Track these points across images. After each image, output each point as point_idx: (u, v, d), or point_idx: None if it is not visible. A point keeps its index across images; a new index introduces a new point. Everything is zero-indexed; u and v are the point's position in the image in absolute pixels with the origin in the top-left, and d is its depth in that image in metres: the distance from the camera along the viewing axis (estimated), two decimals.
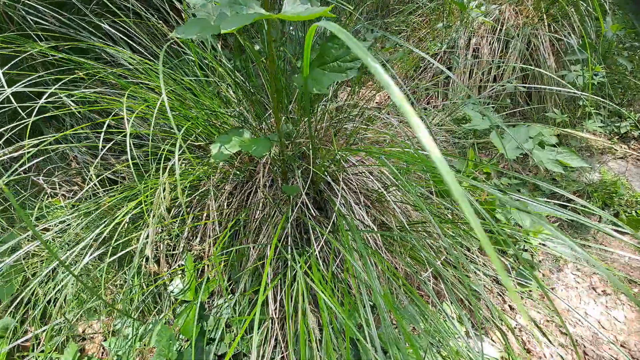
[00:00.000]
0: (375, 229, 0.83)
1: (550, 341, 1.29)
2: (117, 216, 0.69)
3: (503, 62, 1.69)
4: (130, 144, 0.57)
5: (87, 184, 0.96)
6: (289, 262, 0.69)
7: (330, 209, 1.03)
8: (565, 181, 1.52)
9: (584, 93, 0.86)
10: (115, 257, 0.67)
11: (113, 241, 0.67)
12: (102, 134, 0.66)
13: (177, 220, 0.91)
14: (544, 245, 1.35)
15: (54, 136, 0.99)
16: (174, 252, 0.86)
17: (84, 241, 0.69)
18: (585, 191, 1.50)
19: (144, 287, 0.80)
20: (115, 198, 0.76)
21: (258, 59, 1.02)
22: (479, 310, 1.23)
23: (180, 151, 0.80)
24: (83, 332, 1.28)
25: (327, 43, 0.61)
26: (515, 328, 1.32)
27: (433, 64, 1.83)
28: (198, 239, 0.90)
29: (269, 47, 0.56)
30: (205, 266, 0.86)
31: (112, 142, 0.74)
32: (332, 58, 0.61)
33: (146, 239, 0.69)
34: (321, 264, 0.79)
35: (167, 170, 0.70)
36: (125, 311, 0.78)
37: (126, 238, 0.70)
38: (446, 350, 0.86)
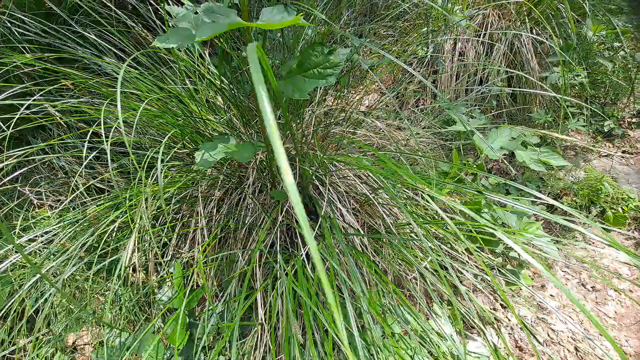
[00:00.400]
0: (363, 233, 0.84)
1: (538, 340, 1.30)
2: (102, 225, 0.69)
3: (488, 65, 1.73)
4: (109, 152, 0.57)
5: (73, 193, 0.96)
6: (277, 267, 0.69)
7: (319, 220, 1.04)
8: (552, 180, 1.54)
9: (563, 96, 0.88)
10: (100, 265, 0.66)
11: (98, 250, 0.66)
12: (86, 142, 0.67)
13: (165, 228, 0.90)
14: (529, 245, 1.37)
15: (39, 146, 0.98)
16: (162, 260, 0.86)
17: (69, 251, 0.69)
18: (571, 189, 1.52)
19: (132, 295, 0.80)
20: (101, 207, 0.76)
21: (244, 66, 1.03)
22: (468, 310, 1.24)
23: (167, 158, 0.80)
24: (73, 343, 1.26)
25: (308, 50, 0.62)
26: (506, 327, 1.33)
27: (421, 66, 1.86)
28: (187, 246, 0.89)
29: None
30: (195, 273, 0.86)
31: (97, 151, 0.75)
32: (312, 65, 0.62)
33: (132, 248, 0.69)
34: (309, 268, 0.79)
35: (152, 178, 0.70)
36: (111, 321, 0.77)
37: (110, 247, 0.70)
38: (437, 352, 0.86)
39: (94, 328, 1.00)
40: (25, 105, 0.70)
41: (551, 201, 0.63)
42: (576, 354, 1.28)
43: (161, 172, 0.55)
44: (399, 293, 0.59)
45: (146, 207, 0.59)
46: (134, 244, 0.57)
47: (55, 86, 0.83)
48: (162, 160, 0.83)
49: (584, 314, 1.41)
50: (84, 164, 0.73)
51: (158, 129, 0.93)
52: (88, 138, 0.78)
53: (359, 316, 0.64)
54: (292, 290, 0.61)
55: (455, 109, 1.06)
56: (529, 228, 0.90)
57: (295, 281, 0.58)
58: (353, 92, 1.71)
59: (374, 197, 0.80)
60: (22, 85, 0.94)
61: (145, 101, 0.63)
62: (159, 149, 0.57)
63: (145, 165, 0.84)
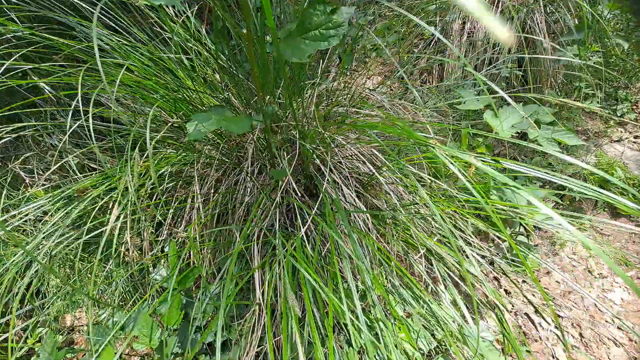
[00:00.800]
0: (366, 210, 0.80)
1: (541, 324, 1.28)
2: (88, 197, 0.65)
3: (498, 45, 1.65)
4: (91, 124, 0.53)
5: (66, 172, 0.92)
6: (276, 246, 0.66)
7: (321, 198, 1.00)
8: (562, 165, 1.49)
9: (578, 75, 0.83)
10: (87, 237, 0.63)
11: (88, 223, 0.63)
12: (70, 111, 0.63)
13: (159, 203, 0.87)
14: (539, 228, 1.33)
15: (32, 124, 0.94)
16: (157, 239, 0.83)
17: (56, 224, 0.66)
18: (581, 174, 1.47)
19: (123, 273, 0.77)
20: (88, 181, 0.73)
21: (243, 42, 0.98)
22: (474, 292, 1.21)
23: (159, 138, 0.76)
24: (72, 324, 1.25)
25: (309, 9, 0.57)
26: (510, 312, 1.31)
27: (428, 48, 1.79)
28: (183, 226, 0.86)
29: (244, 11, 0.52)
30: (191, 253, 0.83)
31: (76, 123, 0.70)
32: (313, 25, 0.57)
33: (118, 223, 0.66)
34: (309, 248, 0.76)
35: (146, 155, 0.67)
36: (104, 300, 0.75)
37: (98, 220, 0.67)
38: (440, 334, 0.84)
39: (93, 308, 0.98)
40: (6, 65, 0.66)
41: (561, 181, 0.58)
42: (581, 339, 1.25)
43: (150, 144, 0.51)
44: (404, 271, 0.56)
45: (132, 177, 0.55)
46: (115, 215, 0.54)
47: (47, 64, 0.79)
48: (156, 139, 0.79)
49: (588, 301, 1.38)
50: (66, 136, 0.69)
51: (152, 103, 0.89)
52: (82, 116, 0.74)
53: (362, 298, 0.61)
54: (291, 268, 0.58)
55: (469, 88, 1.00)
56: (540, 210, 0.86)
57: (295, 259, 0.55)
58: (357, 74, 1.65)
59: (379, 172, 0.76)
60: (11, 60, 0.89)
61: (124, 67, 0.59)
62: (148, 118, 0.53)
63: (138, 143, 0.80)
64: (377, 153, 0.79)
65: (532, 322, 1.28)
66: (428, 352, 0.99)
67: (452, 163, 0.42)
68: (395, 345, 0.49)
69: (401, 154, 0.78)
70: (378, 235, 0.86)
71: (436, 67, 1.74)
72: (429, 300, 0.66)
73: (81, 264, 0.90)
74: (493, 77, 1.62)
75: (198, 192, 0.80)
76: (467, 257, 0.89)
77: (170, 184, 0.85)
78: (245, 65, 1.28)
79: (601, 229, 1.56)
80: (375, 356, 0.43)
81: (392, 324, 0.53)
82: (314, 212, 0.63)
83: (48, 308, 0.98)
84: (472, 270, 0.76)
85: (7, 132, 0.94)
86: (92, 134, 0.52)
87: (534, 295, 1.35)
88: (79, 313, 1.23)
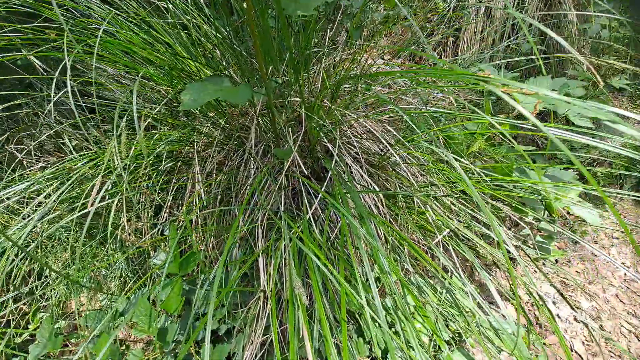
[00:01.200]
0: (378, 191, 0.74)
1: (559, 316, 1.22)
2: (73, 175, 0.61)
3: (518, 18, 1.54)
4: (71, 94, 0.48)
5: (62, 153, 0.88)
6: (281, 228, 0.60)
7: (329, 178, 0.94)
8: (585, 149, 1.40)
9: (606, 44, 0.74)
10: (76, 215, 0.59)
11: (80, 202, 0.59)
12: (54, 81, 0.57)
13: (157, 186, 0.83)
14: (568, 213, 1.25)
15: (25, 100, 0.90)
16: (155, 221, 0.79)
17: (46, 208, 0.62)
18: (606, 158, 1.38)
19: (120, 258, 0.73)
20: (79, 161, 0.68)
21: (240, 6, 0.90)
22: (490, 281, 1.15)
23: (155, 111, 0.71)
24: (78, 309, 1.24)
25: None
26: (527, 302, 1.25)
27: (439, 28, 1.68)
28: (183, 209, 0.82)
29: None
30: (193, 236, 0.79)
31: (57, 96, 0.65)
32: None
33: (113, 205, 0.61)
34: (317, 233, 0.71)
35: (142, 133, 0.61)
36: (104, 286, 0.71)
37: (87, 200, 0.62)
38: (456, 324, 0.79)
39: (92, 294, 0.96)
40: None
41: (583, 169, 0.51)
42: (601, 331, 1.19)
43: (140, 116, 0.46)
44: (421, 254, 0.50)
45: (119, 150, 0.50)
46: (97, 187, 0.49)
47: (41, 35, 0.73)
48: (152, 116, 0.73)
49: (610, 292, 1.31)
50: (49, 105, 0.64)
51: (149, 77, 0.83)
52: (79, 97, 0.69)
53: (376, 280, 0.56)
54: (298, 253, 0.53)
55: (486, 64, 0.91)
56: (568, 193, 0.79)
57: (302, 242, 0.50)
58: (366, 55, 1.55)
59: (392, 151, 0.69)
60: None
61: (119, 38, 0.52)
62: (135, 84, 0.47)
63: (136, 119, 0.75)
64: (390, 129, 0.72)
65: (550, 313, 1.22)
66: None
67: (512, 99, 0.35)
68: (418, 339, 0.44)
69: (417, 131, 0.71)
70: (391, 220, 0.80)
71: (450, 45, 1.63)
72: (446, 289, 0.60)
73: (78, 248, 0.87)
74: (513, 53, 1.52)
75: (199, 172, 0.75)
76: (494, 244, 0.83)
77: (170, 164, 0.80)
78: (248, 42, 1.20)
79: (624, 217, 1.47)
80: (395, 353, 0.38)
81: (412, 313, 0.48)
82: (322, 190, 0.57)
83: (50, 292, 0.96)
84: (499, 255, 0.70)
85: (1, 110, 0.90)
86: (72, 101, 0.47)
87: (552, 285, 1.29)
88: (85, 298, 1.21)
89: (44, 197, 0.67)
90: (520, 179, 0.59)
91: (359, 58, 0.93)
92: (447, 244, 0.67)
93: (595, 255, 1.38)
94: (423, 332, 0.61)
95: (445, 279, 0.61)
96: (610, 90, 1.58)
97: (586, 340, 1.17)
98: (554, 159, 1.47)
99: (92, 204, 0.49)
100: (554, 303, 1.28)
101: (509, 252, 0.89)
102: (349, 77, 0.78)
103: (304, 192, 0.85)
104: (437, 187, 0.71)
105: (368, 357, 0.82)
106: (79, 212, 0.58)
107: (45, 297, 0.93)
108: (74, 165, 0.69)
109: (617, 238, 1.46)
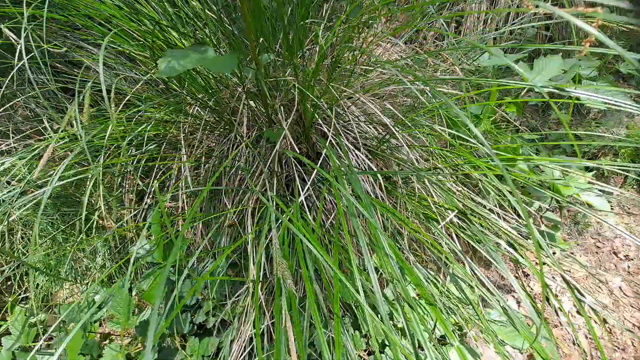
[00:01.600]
0: (377, 175, 0.69)
1: (560, 309, 1.19)
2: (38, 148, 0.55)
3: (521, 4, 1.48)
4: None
5: (43, 136, 0.82)
6: (268, 203, 0.55)
7: (325, 161, 0.89)
8: (590, 138, 1.35)
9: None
10: (46, 194, 0.54)
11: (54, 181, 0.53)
12: (16, 53, 0.51)
13: (139, 169, 0.77)
14: (574, 201, 1.21)
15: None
16: (136, 207, 0.74)
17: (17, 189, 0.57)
18: (612, 148, 1.34)
19: (99, 246, 0.68)
20: (52, 140, 0.63)
21: None
22: (488, 273, 1.11)
23: (138, 86, 0.65)
24: (64, 300, 1.19)
25: None
26: (527, 296, 1.21)
27: (441, 11, 1.61)
28: (169, 193, 0.77)
29: None
30: (179, 224, 0.74)
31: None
32: None
33: (87, 188, 0.56)
34: (310, 218, 0.66)
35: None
36: (85, 276, 0.66)
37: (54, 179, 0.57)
38: (458, 316, 0.74)
39: (72, 284, 0.91)
40: None
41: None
42: (604, 325, 1.16)
43: (115, 90, 0.40)
44: (423, 234, 0.46)
45: (81, 116, 0.45)
46: (45, 156, 0.44)
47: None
48: (133, 93, 0.68)
49: (613, 285, 1.28)
50: (7, 79, 0.58)
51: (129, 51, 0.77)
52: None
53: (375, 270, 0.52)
54: (286, 234, 0.48)
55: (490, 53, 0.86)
56: (577, 180, 0.74)
57: (292, 224, 0.45)
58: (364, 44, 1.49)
59: (394, 131, 0.64)
60: None
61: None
62: (102, 45, 0.42)
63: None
64: (390, 107, 0.67)
65: (552, 306, 1.18)
66: (441, 337, 0.90)
67: None
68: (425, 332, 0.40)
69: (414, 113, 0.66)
70: (392, 206, 0.75)
71: (452, 30, 1.57)
72: (450, 275, 0.56)
73: (58, 235, 0.82)
74: (515, 39, 1.46)
75: (184, 153, 0.70)
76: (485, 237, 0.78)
77: (153, 146, 0.75)
78: (240, 23, 1.14)
79: (629, 208, 1.44)
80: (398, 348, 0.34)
81: (416, 305, 0.43)
82: (317, 171, 0.52)
83: (29, 283, 0.91)
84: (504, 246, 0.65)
85: None
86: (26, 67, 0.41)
87: (554, 278, 1.25)
88: (66, 290, 1.16)
89: (17, 181, 0.62)
90: (530, 157, 0.55)
91: (357, 35, 0.87)
92: (450, 229, 0.63)
93: (599, 248, 1.35)
94: (425, 326, 0.56)
95: (447, 264, 0.57)
96: (616, 80, 1.54)
97: (589, 334, 1.13)
98: (557, 149, 1.43)
99: (50, 186, 0.44)
100: (555, 296, 1.24)
101: (528, 238, 0.84)
102: (349, 47, 0.73)
103: (297, 179, 0.80)
104: (440, 171, 0.66)
105: (365, 351, 0.77)
106: (47, 190, 0.53)
107: (24, 288, 0.88)
108: (47, 144, 0.63)
109: (620, 230, 1.42)
